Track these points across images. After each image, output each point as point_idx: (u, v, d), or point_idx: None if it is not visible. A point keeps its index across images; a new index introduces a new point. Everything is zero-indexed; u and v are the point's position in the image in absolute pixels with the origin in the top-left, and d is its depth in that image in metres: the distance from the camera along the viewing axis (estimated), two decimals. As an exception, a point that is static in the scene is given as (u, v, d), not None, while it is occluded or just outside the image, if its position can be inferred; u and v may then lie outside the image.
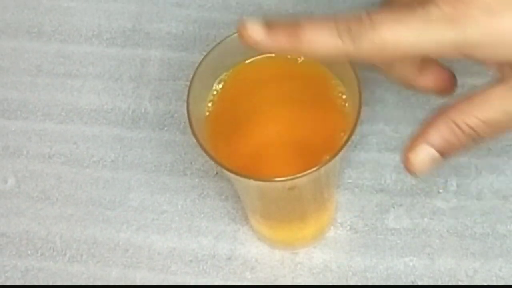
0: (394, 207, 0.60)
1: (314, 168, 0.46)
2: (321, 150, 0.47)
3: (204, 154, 0.47)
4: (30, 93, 0.67)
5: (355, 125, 0.46)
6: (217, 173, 0.62)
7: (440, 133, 0.43)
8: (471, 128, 0.43)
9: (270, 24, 0.43)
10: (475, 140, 0.43)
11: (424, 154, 0.44)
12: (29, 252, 0.61)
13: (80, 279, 0.60)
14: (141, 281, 0.59)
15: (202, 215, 0.61)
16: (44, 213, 0.62)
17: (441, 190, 0.61)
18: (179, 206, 0.62)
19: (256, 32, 0.42)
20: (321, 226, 0.59)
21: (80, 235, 0.61)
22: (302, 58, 0.52)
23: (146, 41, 0.68)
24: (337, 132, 0.48)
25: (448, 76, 0.49)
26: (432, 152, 0.44)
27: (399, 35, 0.41)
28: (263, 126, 0.51)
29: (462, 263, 0.58)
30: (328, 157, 0.46)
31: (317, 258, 0.59)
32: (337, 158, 0.47)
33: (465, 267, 0.58)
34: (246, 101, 0.52)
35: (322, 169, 0.46)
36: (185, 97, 0.48)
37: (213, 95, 0.51)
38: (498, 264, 0.58)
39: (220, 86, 0.52)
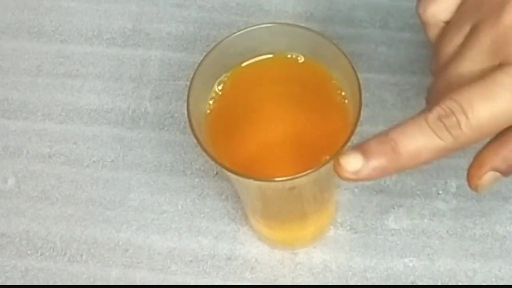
0: (394, 208, 0.61)
1: (314, 168, 0.46)
2: (321, 150, 0.47)
3: (204, 154, 0.47)
4: (30, 93, 0.67)
5: (355, 125, 0.46)
6: (217, 173, 0.62)
7: (506, 161, 0.44)
8: None
9: (364, 150, 0.42)
10: None
11: (491, 179, 0.45)
12: (29, 252, 0.61)
13: (80, 279, 0.60)
14: (141, 281, 0.59)
15: (202, 215, 0.61)
16: (44, 213, 0.62)
17: (441, 192, 0.61)
18: (179, 206, 0.62)
19: (353, 165, 0.42)
20: (321, 226, 0.59)
21: (80, 235, 0.61)
22: (303, 59, 0.52)
23: (146, 42, 0.68)
24: (337, 132, 0.48)
25: None
26: (498, 175, 0.45)
27: (493, 112, 0.40)
28: (263, 126, 0.51)
29: (461, 264, 0.58)
30: (328, 157, 0.46)
31: (317, 258, 0.59)
32: (337, 158, 0.47)
33: (464, 268, 0.58)
34: (246, 101, 0.52)
35: (322, 169, 0.46)
36: (185, 97, 0.48)
37: (213, 95, 0.51)
38: (497, 265, 0.58)
39: (220, 87, 0.52)
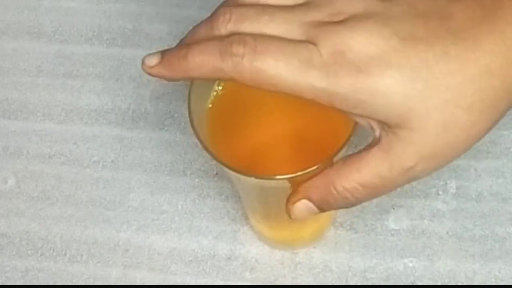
0: (394, 208, 0.61)
1: (314, 167, 0.46)
2: (322, 148, 0.47)
3: (205, 153, 0.47)
4: (30, 94, 0.67)
5: (355, 124, 0.46)
6: (217, 173, 0.62)
7: (319, 193, 0.46)
8: (348, 191, 0.45)
9: (164, 52, 0.45)
10: (350, 201, 0.46)
11: (303, 207, 0.47)
12: (29, 252, 0.61)
13: (80, 279, 0.60)
14: (141, 281, 0.59)
15: (202, 215, 0.61)
16: (44, 213, 0.62)
17: (440, 192, 0.61)
18: (179, 206, 0.62)
19: (151, 61, 0.46)
20: (321, 226, 0.59)
21: (80, 235, 0.61)
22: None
23: (147, 42, 0.68)
24: (338, 130, 0.48)
25: None
26: (310, 205, 0.47)
27: (276, 70, 0.42)
28: (264, 125, 0.51)
29: (461, 264, 0.58)
30: (328, 156, 0.46)
31: (317, 258, 0.59)
32: (337, 157, 0.47)
33: (464, 268, 0.58)
34: (246, 100, 0.52)
35: (323, 167, 0.46)
36: (185, 97, 0.48)
37: (214, 94, 0.51)
38: (497, 266, 0.58)
39: (221, 86, 0.52)
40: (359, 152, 0.45)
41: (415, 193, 0.61)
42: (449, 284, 0.58)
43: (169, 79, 0.46)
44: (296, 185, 0.47)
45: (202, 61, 0.43)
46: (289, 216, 0.48)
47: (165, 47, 0.66)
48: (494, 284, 0.58)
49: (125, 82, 0.67)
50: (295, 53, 0.42)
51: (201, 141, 0.47)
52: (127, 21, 0.70)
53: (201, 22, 0.46)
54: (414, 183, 0.61)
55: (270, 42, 0.42)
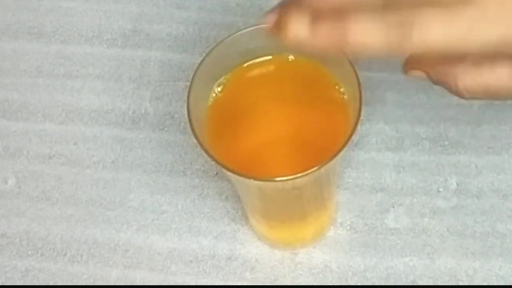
0: (394, 207, 0.61)
1: (315, 168, 0.46)
2: (321, 149, 0.47)
3: (204, 154, 0.47)
4: (30, 94, 0.67)
5: (355, 124, 0.46)
6: (217, 173, 0.62)
7: (438, 78, 0.46)
8: None
9: (315, 17, 0.41)
10: None
11: (417, 75, 0.47)
12: (29, 252, 0.61)
13: (80, 280, 0.60)
14: (141, 281, 0.59)
15: (202, 215, 0.61)
16: (44, 214, 0.62)
17: (441, 189, 0.61)
18: (179, 206, 0.62)
19: (297, 31, 0.42)
20: (321, 226, 0.59)
21: (80, 235, 0.61)
22: (303, 60, 0.52)
23: (146, 42, 0.68)
24: (338, 132, 0.48)
25: None
26: (425, 77, 0.47)
27: (445, 36, 0.41)
28: (263, 127, 0.51)
29: (462, 262, 0.58)
30: (328, 157, 0.46)
31: (317, 258, 0.59)
32: (337, 158, 0.47)
33: (465, 266, 0.58)
34: (246, 102, 0.52)
35: (323, 169, 0.46)
36: (185, 98, 0.48)
37: (213, 96, 0.52)
38: (498, 263, 0.58)
39: (220, 88, 0.52)
40: None
41: (415, 191, 0.61)
42: (450, 283, 0.58)
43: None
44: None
45: (365, 42, 0.41)
46: (403, 71, 0.47)
47: (166, 48, 0.68)
48: (495, 282, 0.58)
49: (125, 82, 0.67)
50: (459, 15, 0.41)
51: (200, 143, 0.47)
52: (127, 21, 0.70)
53: None
54: (414, 181, 0.61)
55: (433, 10, 0.41)
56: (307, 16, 0.42)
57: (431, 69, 0.46)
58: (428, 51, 0.42)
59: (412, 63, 0.47)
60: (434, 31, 0.41)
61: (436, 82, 0.47)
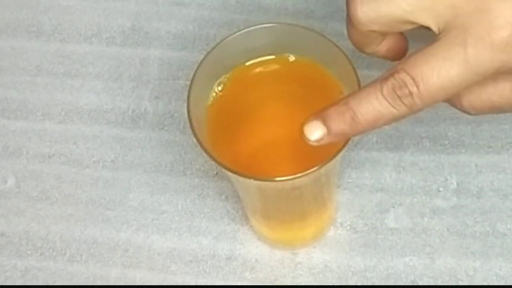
0: (394, 207, 0.60)
1: (315, 168, 0.46)
2: (321, 150, 0.47)
3: (204, 154, 0.47)
4: (29, 93, 0.67)
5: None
6: (217, 173, 0.62)
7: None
8: None
9: (325, 120, 0.45)
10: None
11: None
12: (29, 252, 0.61)
13: (80, 279, 0.60)
14: (141, 281, 0.59)
15: (202, 215, 0.61)
16: (44, 213, 0.62)
17: (441, 189, 0.61)
18: (179, 206, 0.62)
19: (315, 134, 0.45)
20: (321, 226, 0.59)
21: (80, 235, 0.61)
22: (303, 59, 0.52)
23: (146, 41, 0.68)
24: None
25: (405, 43, 0.51)
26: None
27: (444, 85, 0.43)
28: (263, 126, 0.51)
29: (462, 262, 0.58)
30: (328, 157, 0.46)
31: (317, 258, 0.59)
32: (337, 158, 0.47)
33: (465, 266, 0.58)
34: (247, 101, 0.52)
35: (323, 169, 0.46)
36: (185, 97, 0.48)
37: (213, 95, 0.51)
38: (498, 263, 0.58)
39: (220, 87, 0.52)
40: None
41: (415, 191, 0.61)
42: (450, 282, 0.58)
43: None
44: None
45: (375, 117, 0.44)
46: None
47: (165, 46, 0.68)
48: (495, 281, 0.58)
49: (124, 81, 0.67)
50: (450, 62, 0.43)
51: (200, 143, 0.47)
52: (126, 19, 0.70)
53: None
54: (414, 181, 0.61)
55: (422, 66, 0.43)
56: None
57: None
58: (434, 102, 0.44)
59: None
60: (433, 85, 0.43)
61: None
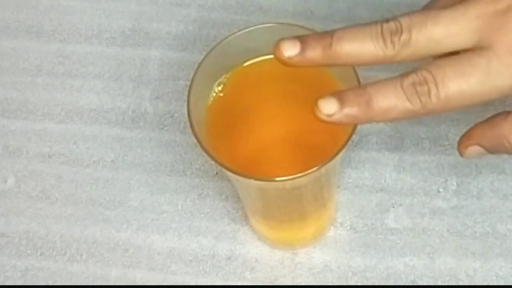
0: (394, 207, 0.61)
1: (315, 168, 0.46)
2: (321, 149, 0.47)
3: (204, 154, 0.47)
4: (30, 93, 0.67)
5: (355, 124, 0.46)
6: (217, 173, 0.62)
7: (492, 144, 0.49)
8: None
9: (341, 97, 0.44)
10: None
11: (475, 151, 0.50)
12: (29, 251, 0.61)
13: (80, 279, 0.60)
14: (141, 281, 0.59)
15: (202, 215, 0.61)
16: (44, 213, 0.62)
17: (441, 190, 0.61)
18: (179, 206, 0.62)
19: (328, 108, 0.44)
20: (321, 226, 0.59)
21: (80, 234, 0.61)
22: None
23: (146, 41, 0.68)
24: (338, 132, 0.48)
25: None
26: (482, 151, 0.49)
27: (462, 90, 0.44)
28: (264, 126, 0.51)
29: (462, 262, 0.58)
30: (328, 157, 0.46)
31: (317, 258, 0.59)
32: (337, 158, 0.47)
33: (465, 266, 0.58)
34: (247, 101, 0.52)
35: (323, 169, 0.46)
36: (185, 97, 0.48)
37: (214, 95, 0.51)
38: (498, 263, 0.58)
39: (220, 87, 0.52)
40: None
41: (416, 191, 0.61)
42: (450, 283, 0.58)
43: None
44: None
45: (389, 107, 0.44)
46: (460, 155, 0.50)
47: (165, 47, 0.68)
48: (495, 282, 0.58)
49: (124, 81, 0.67)
50: (472, 69, 0.44)
51: (200, 143, 0.47)
52: (127, 20, 0.70)
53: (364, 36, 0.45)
54: (414, 181, 0.61)
55: (445, 68, 0.44)
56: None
57: (482, 138, 0.49)
58: (446, 108, 0.44)
59: (463, 142, 0.50)
60: (448, 90, 0.44)
61: (493, 151, 0.49)
